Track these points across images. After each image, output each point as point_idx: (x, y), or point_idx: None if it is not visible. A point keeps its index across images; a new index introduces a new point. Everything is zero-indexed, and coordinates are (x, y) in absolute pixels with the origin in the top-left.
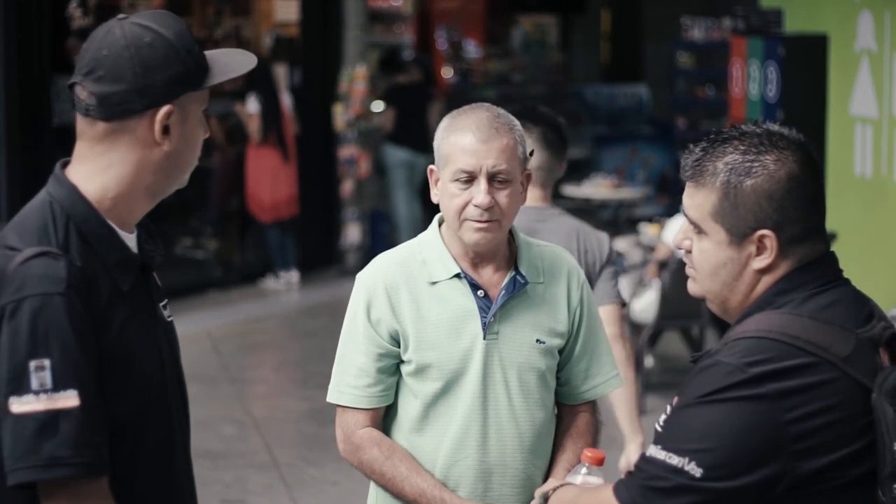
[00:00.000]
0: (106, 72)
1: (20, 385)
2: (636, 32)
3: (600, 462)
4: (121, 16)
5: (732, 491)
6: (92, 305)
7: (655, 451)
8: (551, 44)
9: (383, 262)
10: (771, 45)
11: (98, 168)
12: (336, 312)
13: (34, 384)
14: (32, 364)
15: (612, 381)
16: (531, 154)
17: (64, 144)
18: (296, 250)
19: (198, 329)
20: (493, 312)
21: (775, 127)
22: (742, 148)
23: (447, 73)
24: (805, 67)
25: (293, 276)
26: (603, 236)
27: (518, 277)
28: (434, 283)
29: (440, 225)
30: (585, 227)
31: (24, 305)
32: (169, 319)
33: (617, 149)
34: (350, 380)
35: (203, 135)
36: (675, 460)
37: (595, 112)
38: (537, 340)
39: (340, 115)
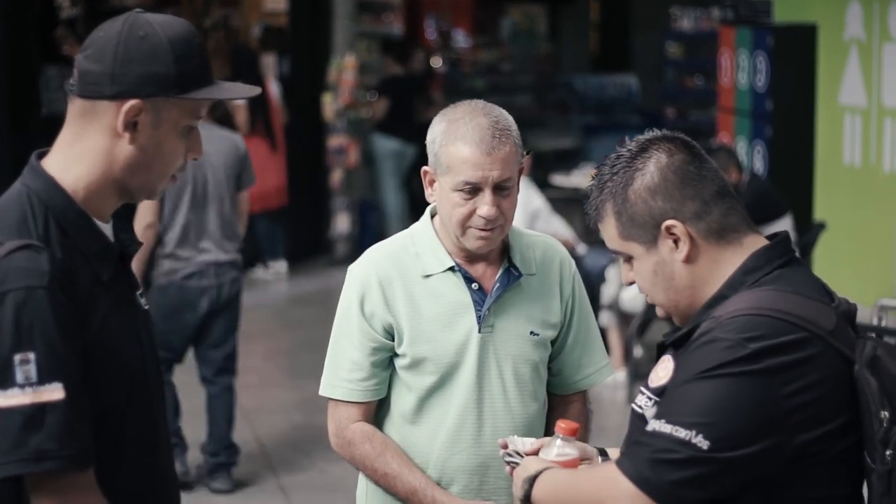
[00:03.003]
0: (93, 51)
1: (5, 379)
2: (625, 22)
3: (574, 432)
4: (138, 10)
5: (738, 461)
6: (74, 297)
7: (660, 426)
8: (540, 33)
9: (376, 255)
10: (760, 34)
11: (72, 157)
12: (325, 302)
13: (19, 378)
14: (17, 357)
15: (603, 371)
16: (528, 153)
17: (53, 134)
18: (285, 240)
19: None
20: (487, 305)
21: (641, 136)
22: (613, 171)
23: (436, 62)
24: (794, 57)
25: (282, 265)
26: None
27: (512, 270)
28: (428, 276)
29: (432, 217)
30: (236, 135)
31: (8, 299)
32: (145, 308)
33: (606, 138)
34: (343, 373)
35: (187, 153)
36: (682, 433)
37: (584, 102)
38: (531, 332)
39: (329, 105)
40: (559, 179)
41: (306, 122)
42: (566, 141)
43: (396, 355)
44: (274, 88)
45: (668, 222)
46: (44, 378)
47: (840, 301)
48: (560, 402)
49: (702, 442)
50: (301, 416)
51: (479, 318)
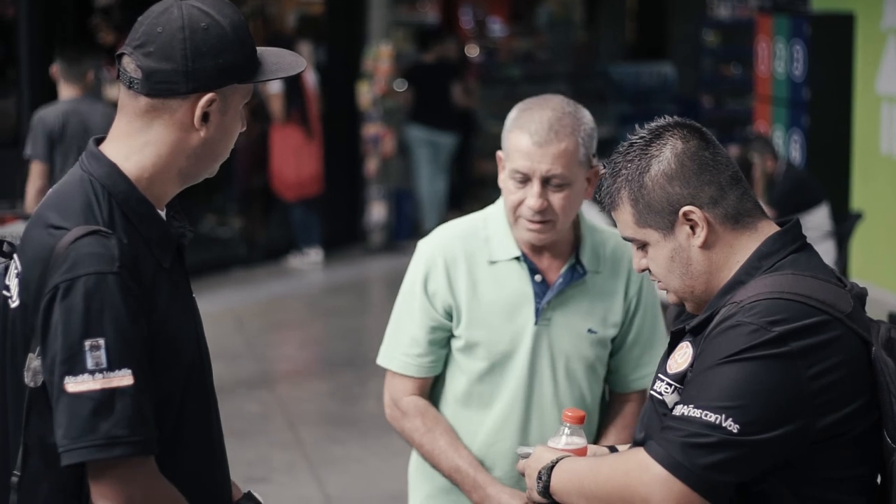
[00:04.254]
0: (156, 48)
1: (75, 364)
2: (662, 10)
3: (581, 420)
4: None
5: (767, 443)
6: (139, 283)
7: (689, 410)
8: (577, 22)
9: (446, 235)
10: (797, 23)
11: (135, 146)
12: (360, 291)
13: (89, 363)
14: (87, 343)
15: None
16: (595, 154)
17: None
18: (320, 228)
19: (222, 307)
20: (547, 299)
21: (653, 123)
22: (628, 158)
23: (472, 51)
24: (831, 46)
25: (318, 253)
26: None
27: (577, 267)
28: (494, 262)
29: None
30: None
31: (78, 285)
32: (192, 295)
33: None
34: (403, 347)
35: (240, 128)
36: (711, 417)
37: (620, 90)
38: (589, 330)
39: (365, 94)
40: None
41: (342, 110)
42: (602, 130)
43: (454, 336)
44: (310, 77)
45: (686, 208)
46: (114, 364)
47: (852, 285)
48: (617, 400)
49: (732, 425)
50: (335, 405)
51: (537, 310)
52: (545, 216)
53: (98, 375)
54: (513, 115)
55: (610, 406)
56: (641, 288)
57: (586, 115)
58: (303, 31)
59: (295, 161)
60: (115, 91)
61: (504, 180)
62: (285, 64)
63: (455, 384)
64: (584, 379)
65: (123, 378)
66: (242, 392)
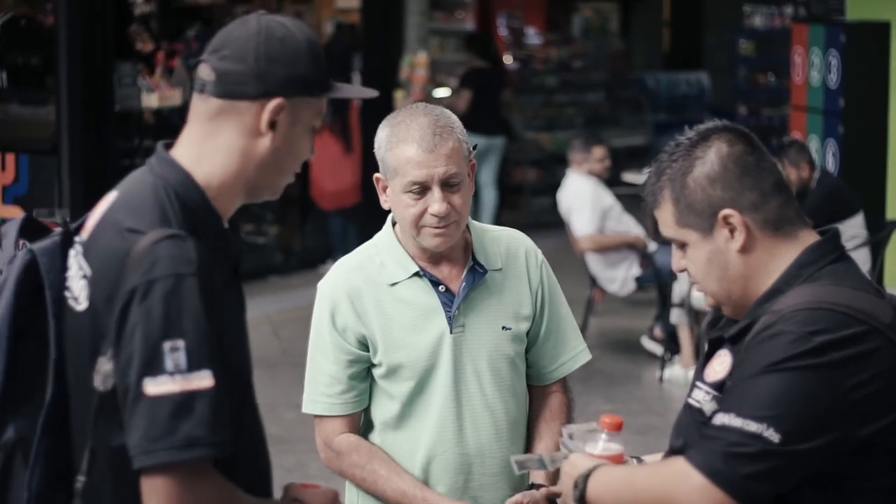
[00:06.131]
0: (231, 51)
1: (154, 366)
2: (697, 19)
3: (619, 427)
4: (262, 12)
5: (807, 454)
6: (212, 290)
7: (729, 419)
8: (612, 30)
9: (343, 269)
10: (832, 32)
11: (205, 153)
12: None
13: (169, 365)
14: (167, 345)
15: (578, 357)
16: (475, 148)
17: (127, 130)
18: (358, 237)
19: (258, 314)
20: (456, 306)
21: (702, 125)
22: (673, 158)
23: (507, 59)
24: (867, 55)
25: None
26: None
27: (476, 268)
28: (394, 284)
29: (394, 225)
30: None
31: (156, 287)
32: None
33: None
34: (323, 388)
35: (308, 153)
36: (753, 427)
37: (656, 99)
38: (503, 327)
39: (402, 102)
40: (631, 177)
41: (379, 119)
42: (638, 138)
43: (374, 365)
44: (356, 82)
45: (726, 211)
46: (193, 365)
47: (892, 296)
48: (539, 393)
49: (773, 435)
50: None
51: (449, 319)
52: (450, 219)
53: (178, 377)
54: (385, 133)
55: (534, 400)
56: (543, 277)
57: (451, 113)
58: (339, 39)
59: (333, 171)
60: (152, 99)
61: (395, 197)
62: (356, 89)
63: (385, 411)
64: (508, 377)
65: (203, 379)
66: (279, 399)
